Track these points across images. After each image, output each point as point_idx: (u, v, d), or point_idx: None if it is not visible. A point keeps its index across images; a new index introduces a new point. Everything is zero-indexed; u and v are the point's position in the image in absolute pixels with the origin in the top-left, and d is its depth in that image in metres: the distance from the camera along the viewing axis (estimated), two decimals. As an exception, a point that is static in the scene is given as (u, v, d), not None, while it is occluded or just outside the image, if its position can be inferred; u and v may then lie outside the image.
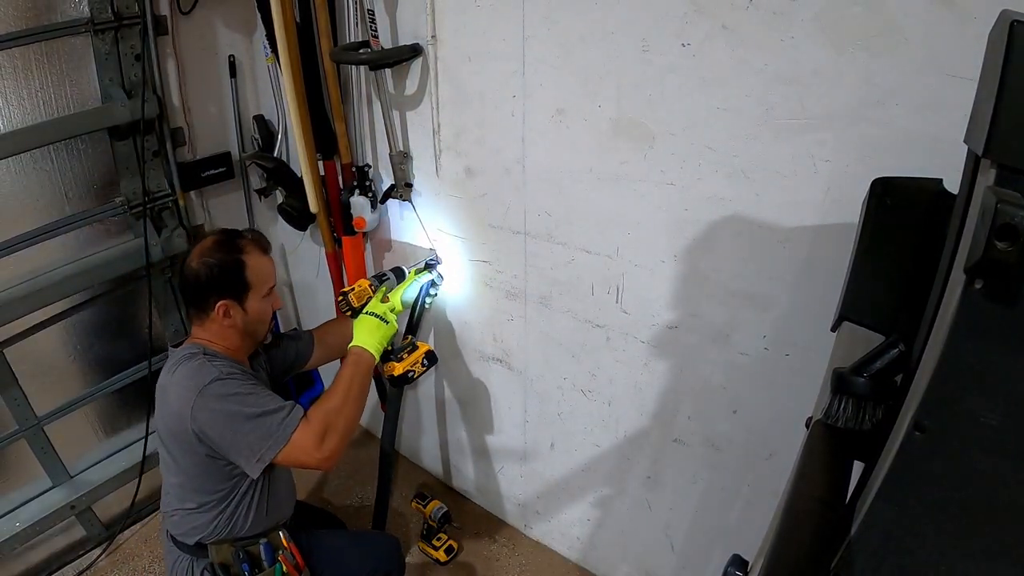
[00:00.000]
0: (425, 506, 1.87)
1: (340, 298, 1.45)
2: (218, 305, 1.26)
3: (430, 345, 1.58)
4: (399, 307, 1.51)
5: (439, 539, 1.89)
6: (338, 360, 1.60)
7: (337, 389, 1.29)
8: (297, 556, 1.36)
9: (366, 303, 1.45)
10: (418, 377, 1.55)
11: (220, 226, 2.06)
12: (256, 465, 1.20)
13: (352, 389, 1.30)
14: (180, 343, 1.33)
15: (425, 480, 2.22)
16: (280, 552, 1.35)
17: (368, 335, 1.39)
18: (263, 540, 1.35)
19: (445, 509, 1.88)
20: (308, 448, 1.20)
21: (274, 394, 1.25)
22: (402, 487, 2.21)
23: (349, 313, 1.45)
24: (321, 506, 2.05)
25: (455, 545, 1.92)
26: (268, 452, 1.19)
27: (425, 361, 1.56)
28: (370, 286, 1.48)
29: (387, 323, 1.42)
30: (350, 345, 1.39)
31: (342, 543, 1.54)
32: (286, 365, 1.54)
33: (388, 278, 1.53)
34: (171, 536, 1.36)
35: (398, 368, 1.52)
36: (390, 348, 1.47)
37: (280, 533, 1.38)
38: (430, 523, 1.87)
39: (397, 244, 1.82)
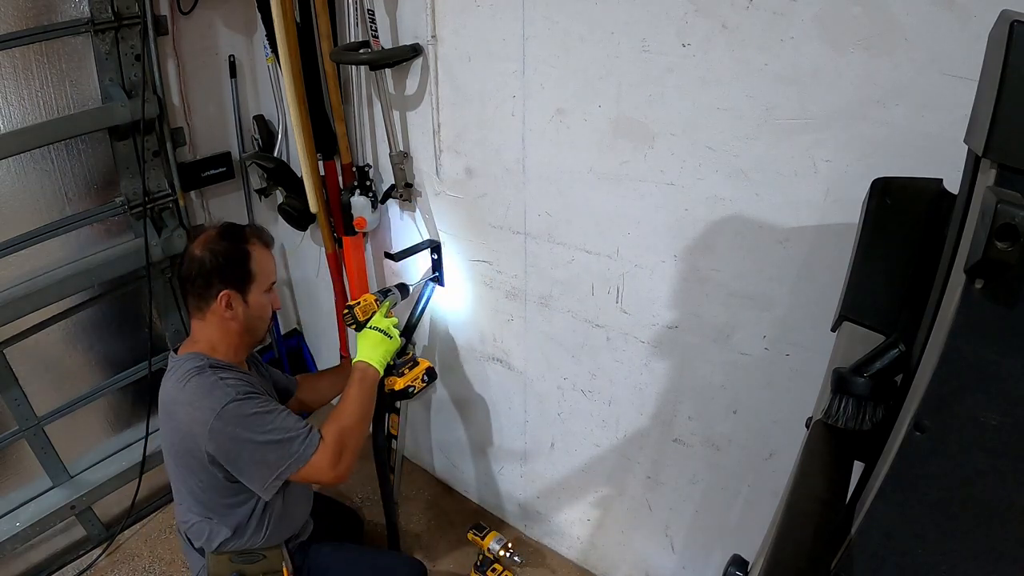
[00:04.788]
0: (483, 538, 1.84)
1: (345, 311, 1.46)
2: (221, 295, 1.24)
3: (430, 361, 1.60)
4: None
5: (494, 570, 1.84)
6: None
7: (348, 407, 1.31)
8: None
9: (370, 317, 1.45)
10: (418, 393, 1.56)
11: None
12: (269, 488, 1.21)
13: (362, 406, 1.32)
14: (179, 347, 1.32)
15: (426, 481, 2.23)
16: None
17: (372, 350, 1.39)
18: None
19: (505, 541, 1.82)
20: (324, 468, 1.21)
21: (289, 411, 1.24)
22: (407, 489, 2.21)
23: (353, 326, 1.45)
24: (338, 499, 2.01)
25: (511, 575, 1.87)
26: (284, 475, 1.20)
27: (425, 377, 1.56)
28: (375, 300, 1.48)
29: (391, 338, 1.42)
30: (354, 360, 1.39)
31: (351, 569, 1.47)
32: (278, 389, 1.55)
33: (392, 293, 1.53)
34: (189, 541, 1.36)
35: (399, 383, 1.51)
36: (392, 363, 1.48)
37: (283, 563, 1.36)
38: (487, 555, 1.83)
39: (398, 245, 1.82)
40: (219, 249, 1.25)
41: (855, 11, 0.90)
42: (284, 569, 1.36)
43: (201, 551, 1.34)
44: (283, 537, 1.37)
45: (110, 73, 1.65)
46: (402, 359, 1.55)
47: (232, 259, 1.26)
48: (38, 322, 1.73)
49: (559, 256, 1.45)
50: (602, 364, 1.50)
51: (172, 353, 1.32)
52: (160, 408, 1.28)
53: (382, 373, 1.41)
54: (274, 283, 1.35)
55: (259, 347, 2.34)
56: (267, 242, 1.34)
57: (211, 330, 1.28)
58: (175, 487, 1.34)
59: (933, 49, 0.86)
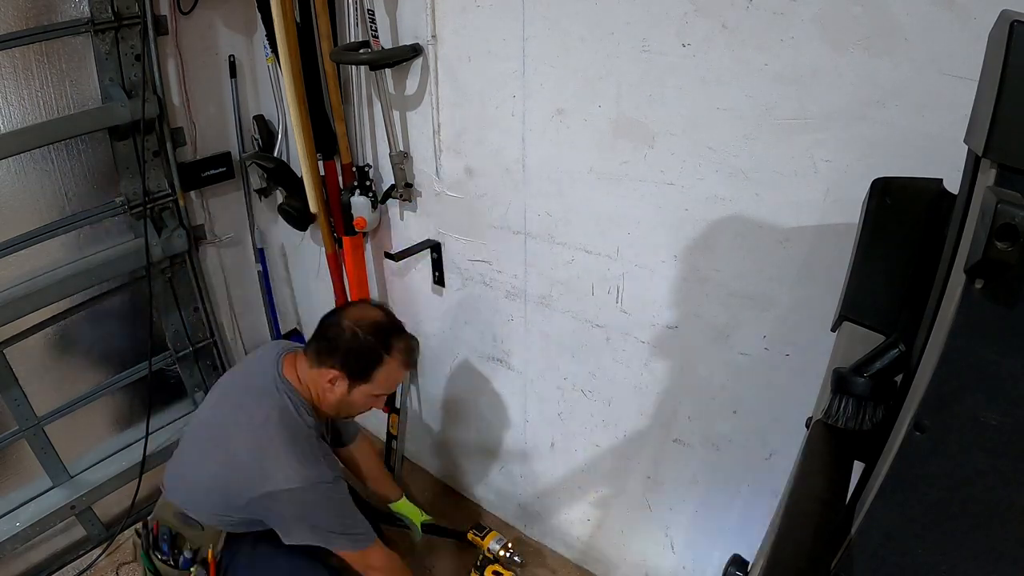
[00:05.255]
0: (483, 538, 1.83)
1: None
2: (333, 373, 1.27)
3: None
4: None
5: (495, 572, 1.82)
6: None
7: None
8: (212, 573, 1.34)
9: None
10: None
11: (220, 226, 2.08)
12: (296, 542, 1.25)
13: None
14: (287, 354, 1.35)
15: (426, 481, 2.23)
16: (195, 567, 1.33)
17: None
18: (187, 548, 1.33)
19: (505, 541, 1.78)
20: (370, 565, 1.33)
21: (356, 511, 1.32)
22: (407, 489, 2.21)
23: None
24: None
25: None
26: (343, 548, 1.29)
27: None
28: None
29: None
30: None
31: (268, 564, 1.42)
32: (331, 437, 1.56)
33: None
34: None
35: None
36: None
37: (211, 545, 1.32)
38: (487, 555, 1.83)
39: (398, 245, 1.82)
40: (362, 338, 1.26)
41: (855, 11, 0.90)
42: (209, 551, 1.32)
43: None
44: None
45: (110, 73, 1.65)
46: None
47: (365, 356, 1.27)
48: (38, 322, 1.73)
49: (559, 256, 1.45)
50: (602, 364, 1.50)
51: (278, 358, 1.33)
52: (228, 394, 1.32)
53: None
54: (386, 396, 1.37)
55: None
56: (410, 363, 1.37)
57: (312, 377, 1.31)
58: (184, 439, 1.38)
59: (933, 49, 0.86)
